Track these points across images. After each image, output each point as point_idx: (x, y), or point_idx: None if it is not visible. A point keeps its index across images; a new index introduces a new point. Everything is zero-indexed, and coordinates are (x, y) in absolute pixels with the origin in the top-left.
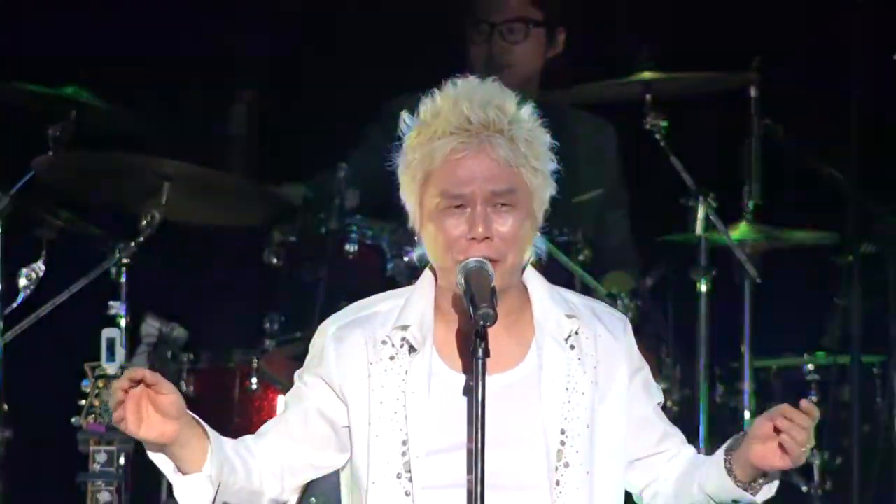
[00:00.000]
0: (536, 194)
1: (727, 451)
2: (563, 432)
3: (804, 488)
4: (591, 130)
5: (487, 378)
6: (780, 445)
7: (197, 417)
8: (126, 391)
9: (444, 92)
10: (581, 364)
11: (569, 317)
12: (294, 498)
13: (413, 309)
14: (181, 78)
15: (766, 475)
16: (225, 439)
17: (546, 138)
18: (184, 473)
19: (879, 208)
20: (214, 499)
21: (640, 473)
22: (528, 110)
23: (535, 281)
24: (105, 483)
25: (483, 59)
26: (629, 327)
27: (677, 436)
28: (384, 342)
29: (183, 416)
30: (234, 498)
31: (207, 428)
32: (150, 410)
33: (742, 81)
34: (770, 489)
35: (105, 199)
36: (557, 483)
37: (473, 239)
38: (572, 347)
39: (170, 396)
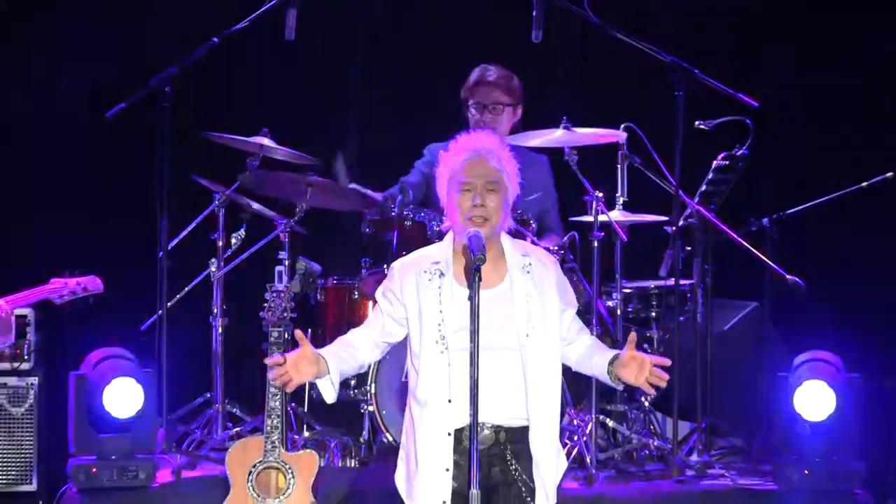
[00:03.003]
0: (509, 190)
1: (610, 363)
2: (528, 320)
3: (648, 352)
4: (534, 161)
5: (481, 291)
6: (635, 370)
7: (321, 353)
8: (282, 368)
9: (464, 136)
10: (533, 282)
11: (523, 255)
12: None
13: (441, 254)
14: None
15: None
16: (337, 353)
17: (515, 164)
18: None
19: (691, 202)
20: (336, 389)
21: None
22: (507, 151)
23: (506, 240)
24: (276, 349)
25: (476, 123)
26: (556, 261)
27: (578, 323)
28: (425, 272)
29: (317, 361)
30: (351, 372)
31: (328, 357)
32: (301, 367)
33: (617, 135)
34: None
35: (277, 196)
36: (523, 347)
37: (475, 205)
38: (528, 272)
39: (308, 353)
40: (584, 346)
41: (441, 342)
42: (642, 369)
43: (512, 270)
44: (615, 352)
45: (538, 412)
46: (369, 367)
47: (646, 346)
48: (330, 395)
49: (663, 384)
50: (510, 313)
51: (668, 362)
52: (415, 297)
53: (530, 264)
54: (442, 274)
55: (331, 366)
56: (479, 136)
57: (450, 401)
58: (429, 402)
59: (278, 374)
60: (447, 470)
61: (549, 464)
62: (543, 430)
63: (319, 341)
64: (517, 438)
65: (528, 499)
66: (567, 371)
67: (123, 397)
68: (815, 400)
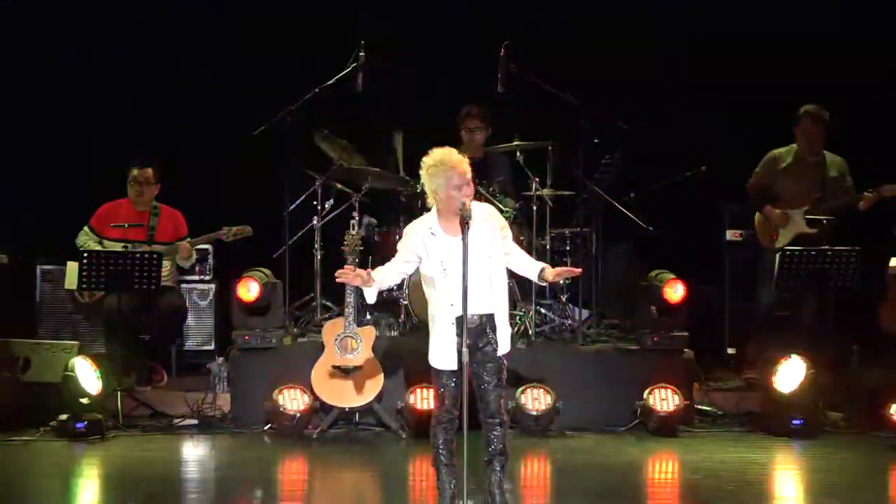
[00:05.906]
0: (472, 183)
1: (540, 271)
2: (488, 248)
3: (565, 264)
4: (500, 158)
5: (458, 236)
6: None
7: (372, 275)
8: (347, 275)
9: (446, 151)
10: (490, 227)
11: (484, 210)
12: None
13: (430, 221)
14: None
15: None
16: (379, 276)
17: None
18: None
19: (590, 184)
20: (374, 297)
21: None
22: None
23: (475, 204)
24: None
25: (468, 140)
26: (498, 214)
27: (514, 244)
28: (429, 228)
29: (368, 279)
30: (385, 287)
31: (375, 277)
32: (359, 276)
33: (543, 147)
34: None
35: (349, 180)
36: (487, 264)
37: (462, 193)
38: (486, 221)
39: (365, 275)
40: (523, 259)
41: (443, 272)
42: (558, 275)
43: (477, 220)
44: (541, 265)
45: (497, 304)
46: (403, 281)
47: (565, 259)
48: (370, 299)
49: (574, 273)
50: (479, 244)
51: (578, 271)
52: (423, 247)
53: (487, 217)
54: (433, 234)
55: (375, 284)
56: (452, 153)
57: (451, 304)
58: (440, 305)
59: (343, 273)
60: (453, 343)
61: (503, 333)
62: (500, 315)
63: (376, 263)
64: (489, 320)
65: (497, 354)
66: (519, 281)
67: (248, 291)
68: (675, 292)
